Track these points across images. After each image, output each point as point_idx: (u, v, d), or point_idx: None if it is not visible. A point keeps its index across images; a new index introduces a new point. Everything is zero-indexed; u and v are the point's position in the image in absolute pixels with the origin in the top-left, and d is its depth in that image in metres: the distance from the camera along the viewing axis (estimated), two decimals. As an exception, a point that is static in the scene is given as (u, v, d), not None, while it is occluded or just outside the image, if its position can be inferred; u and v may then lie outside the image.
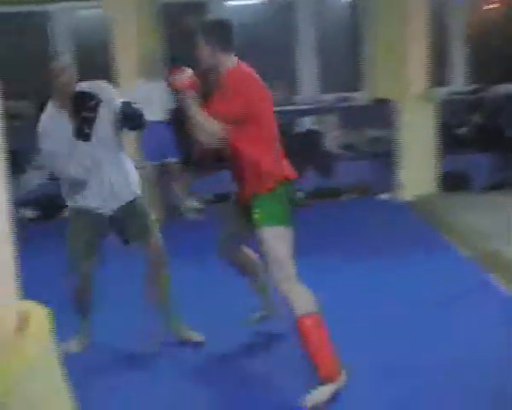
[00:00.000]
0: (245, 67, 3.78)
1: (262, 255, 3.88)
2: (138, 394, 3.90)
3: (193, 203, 8.19)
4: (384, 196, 8.26)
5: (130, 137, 7.82)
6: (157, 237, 4.30)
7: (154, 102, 7.46)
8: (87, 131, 4.06)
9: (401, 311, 4.74)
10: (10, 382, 2.41)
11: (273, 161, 3.77)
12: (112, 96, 4.14)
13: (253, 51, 9.40)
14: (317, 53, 9.17)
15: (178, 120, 7.55)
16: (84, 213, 4.18)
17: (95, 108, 4.06)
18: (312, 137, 8.66)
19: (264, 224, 3.72)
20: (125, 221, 4.23)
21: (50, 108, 4.11)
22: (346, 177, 8.48)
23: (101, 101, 4.07)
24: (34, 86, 8.74)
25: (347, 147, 8.72)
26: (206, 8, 8.98)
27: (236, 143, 3.72)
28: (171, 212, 7.84)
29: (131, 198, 4.25)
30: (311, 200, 8.34)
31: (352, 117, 8.83)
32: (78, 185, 4.12)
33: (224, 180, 7.55)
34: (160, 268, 4.33)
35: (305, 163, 8.49)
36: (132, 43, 7.65)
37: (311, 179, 8.43)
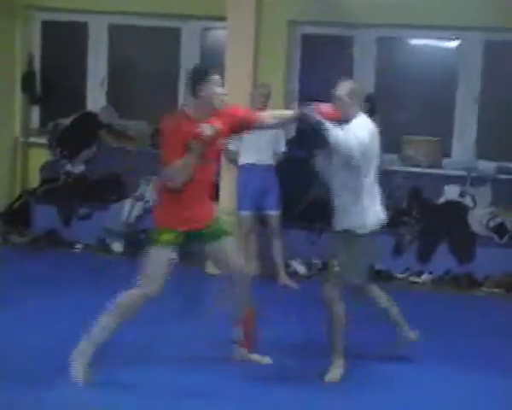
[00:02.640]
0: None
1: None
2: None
3: (296, 267, 6.99)
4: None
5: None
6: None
7: (261, 142, 6.42)
8: None
9: None
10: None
11: None
12: None
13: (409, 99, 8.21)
14: (480, 109, 7.60)
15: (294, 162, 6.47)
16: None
17: None
18: (454, 210, 7.10)
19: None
20: None
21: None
22: (489, 266, 6.82)
23: None
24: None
25: (497, 229, 7.03)
26: (351, 41, 7.78)
27: None
28: (267, 272, 6.69)
29: None
30: (439, 287, 6.83)
31: (511, 193, 7.19)
32: None
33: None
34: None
35: (438, 241, 6.97)
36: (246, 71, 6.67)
37: (443, 262, 6.91)
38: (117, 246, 7.40)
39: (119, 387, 4.10)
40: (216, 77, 4.18)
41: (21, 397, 3.84)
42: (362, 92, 4.51)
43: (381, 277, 6.88)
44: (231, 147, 6.59)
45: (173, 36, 8.22)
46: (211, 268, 6.01)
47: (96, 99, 8.30)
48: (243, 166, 6.61)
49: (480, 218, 7.08)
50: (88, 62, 8.36)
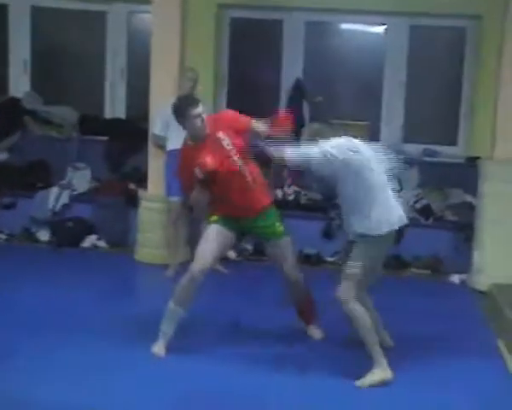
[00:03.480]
0: None
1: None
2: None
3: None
4: (455, 279, 6.68)
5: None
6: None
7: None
8: None
9: None
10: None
11: None
12: None
13: (338, 83, 8.25)
14: (407, 93, 7.70)
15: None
16: None
17: None
18: (382, 193, 7.18)
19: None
20: None
21: None
22: (417, 247, 6.94)
23: None
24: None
25: (423, 211, 7.16)
26: (280, 25, 7.76)
27: None
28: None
29: None
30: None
31: (436, 176, 7.33)
32: None
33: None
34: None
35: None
36: (173, 56, 6.58)
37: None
38: (43, 235, 7.21)
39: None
40: (195, 111, 4.40)
41: None
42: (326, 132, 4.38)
43: (311, 261, 6.96)
44: (158, 132, 6.51)
45: (99, 19, 8.05)
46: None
47: (19, 84, 8.05)
48: (171, 151, 6.51)
49: (407, 200, 7.19)
50: (9, 46, 8.10)
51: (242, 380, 4.14)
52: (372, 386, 4.13)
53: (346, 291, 4.23)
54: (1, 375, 4.00)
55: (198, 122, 4.41)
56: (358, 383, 4.14)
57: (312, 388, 4.12)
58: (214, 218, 4.60)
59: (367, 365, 4.20)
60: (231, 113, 4.75)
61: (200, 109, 4.42)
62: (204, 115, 4.45)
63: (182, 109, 4.46)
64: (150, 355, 4.38)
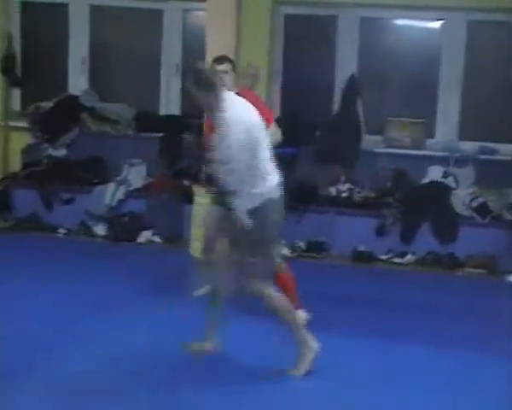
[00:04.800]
0: None
1: None
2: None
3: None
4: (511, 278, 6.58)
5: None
6: None
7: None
8: None
9: None
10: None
11: None
12: None
13: (393, 80, 8.17)
14: (463, 89, 7.59)
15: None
16: None
17: None
18: (437, 191, 7.10)
19: None
20: None
21: None
22: (471, 246, 6.84)
23: None
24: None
25: (480, 209, 7.04)
26: (335, 21, 7.74)
27: None
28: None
29: None
30: (422, 267, 6.86)
31: (493, 174, 7.20)
32: None
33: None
34: None
35: (421, 221, 6.98)
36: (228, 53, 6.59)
37: (426, 242, 6.93)
38: (100, 229, 7.36)
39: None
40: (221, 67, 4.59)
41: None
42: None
43: (363, 258, 6.92)
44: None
45: (155, 17, 8.16)
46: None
47: (77, 82, 8.23)
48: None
49: (462, 198, 7.09)
50: (69, 44, 8.29)
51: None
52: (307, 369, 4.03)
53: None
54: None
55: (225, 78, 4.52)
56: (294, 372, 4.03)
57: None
58: None
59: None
60: (261, 100, 4.79)
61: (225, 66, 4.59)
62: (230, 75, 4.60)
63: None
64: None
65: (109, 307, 5.12)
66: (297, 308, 4.48)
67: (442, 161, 7.34)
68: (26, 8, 8.33)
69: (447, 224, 6.94)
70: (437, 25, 7.70)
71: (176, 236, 7.29)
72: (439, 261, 6.84)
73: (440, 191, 7.08)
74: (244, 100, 4.09)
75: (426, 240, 6.96)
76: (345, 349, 4.55)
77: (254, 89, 6.23)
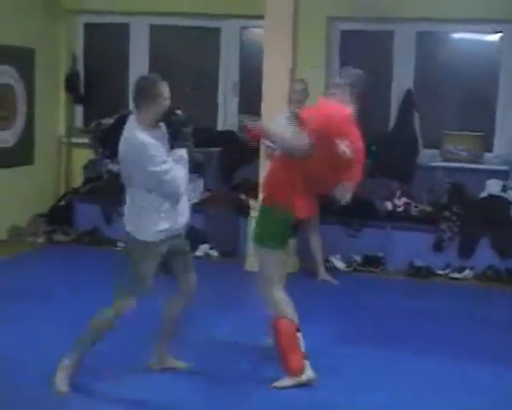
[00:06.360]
0: None
1: None
2: None
3: (336, 263, 7.00)
4: None
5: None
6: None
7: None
8: None
9: None
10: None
11: None
12: None
13: (450, 94, 8.11)
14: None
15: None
16: None
17: None
18: (496, 205, 7.01)
19: None
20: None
21: None
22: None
23: None
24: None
25: (542, 225, 6.92)
26: (391, 36, 7.74)
27: None
28: (307, 267, 6.74)
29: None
30: (481, 282, 6.77)
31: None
32: None
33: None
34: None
35: (480, 236, 6.90)
36: (285, 69, 6.68)
37: (485, 257, 6.84)
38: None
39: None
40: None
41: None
42: None
43: (420, 273, 6.87)
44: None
45: (213, 35, 8.31)
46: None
47: (137, 99, 8.40)
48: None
49: (514, 213, 7.00)
50: (130, 63, 8.51)
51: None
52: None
53: None
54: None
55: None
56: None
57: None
58: None
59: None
60: None
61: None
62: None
63: None
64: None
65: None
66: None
67: (501, 174, 7.26)
68: (89, 29, 8.62)
69: (506, 238, 6.84)
70: (495, 37, 7.64)
71: (232, 250, 7.38)
72: (498, 276, 6.75)
73: (499, 205, 6.98)
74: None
75: (485, 255, 6.87)
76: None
77: (304, 103, 6.28)
